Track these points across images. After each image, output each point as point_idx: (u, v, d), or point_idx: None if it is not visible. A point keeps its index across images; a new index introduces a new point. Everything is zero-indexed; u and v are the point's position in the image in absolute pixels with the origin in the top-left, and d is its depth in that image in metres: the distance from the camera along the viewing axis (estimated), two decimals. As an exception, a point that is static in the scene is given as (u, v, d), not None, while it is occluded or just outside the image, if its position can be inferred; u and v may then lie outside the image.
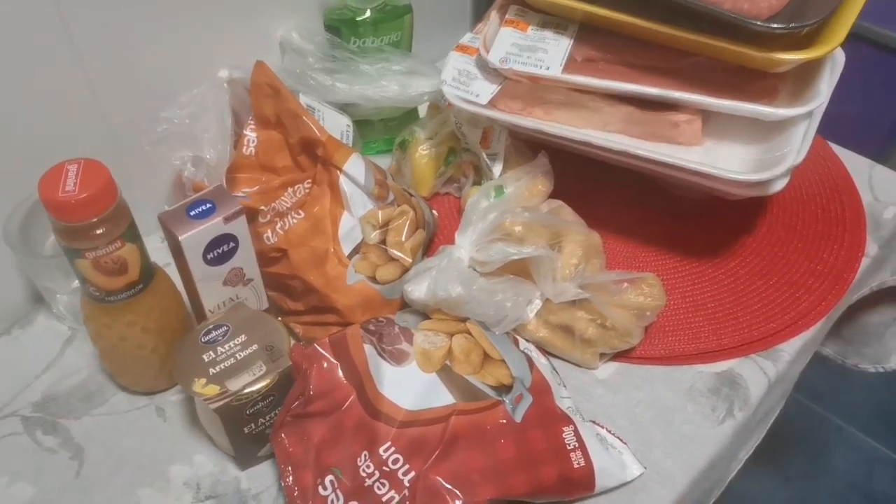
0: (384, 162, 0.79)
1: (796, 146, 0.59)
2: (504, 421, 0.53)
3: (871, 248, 0.71)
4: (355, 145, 0.76)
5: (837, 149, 0.81)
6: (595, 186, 0.73)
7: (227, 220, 0.53)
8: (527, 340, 0.62)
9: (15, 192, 0.60)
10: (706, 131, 0.66)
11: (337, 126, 0.73)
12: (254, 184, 0.64)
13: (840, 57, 0.69)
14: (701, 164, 0.59)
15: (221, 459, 0.58)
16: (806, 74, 0.63)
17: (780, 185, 0.63)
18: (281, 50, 0.75)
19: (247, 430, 0.54)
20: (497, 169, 0.71)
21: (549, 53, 0.65)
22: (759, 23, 0.55)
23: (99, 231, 0.50)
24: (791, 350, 0.64)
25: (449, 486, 0.49)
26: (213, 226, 0.52)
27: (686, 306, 0.67)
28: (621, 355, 0.63)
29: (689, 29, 0.59)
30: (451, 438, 0.51)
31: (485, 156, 0.71)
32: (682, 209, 0.73)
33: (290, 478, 0.53)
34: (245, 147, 0.65)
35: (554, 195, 0.69)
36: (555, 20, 0.66)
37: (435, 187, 0.76)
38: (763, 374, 0.62)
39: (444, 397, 0.53)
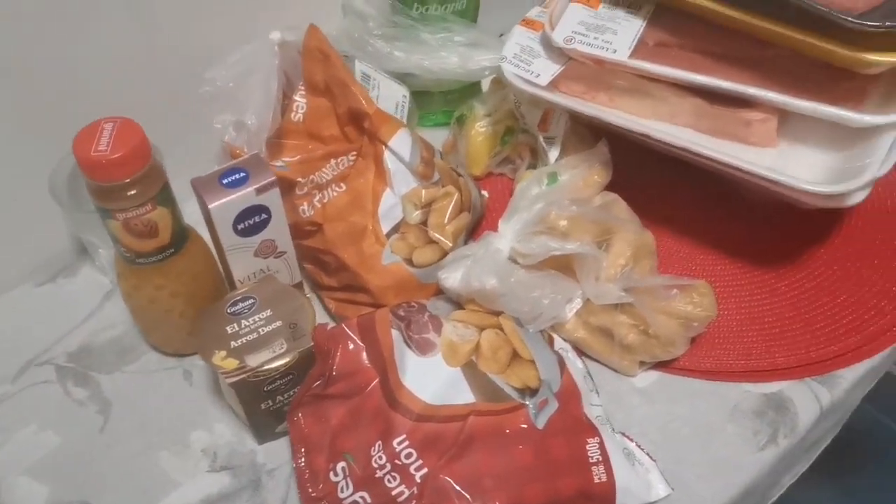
0: (442, 135, 0.77)
1: (880, 158, 0.53)
2: (525, 426, 0.50)
3: (959, 272, 0.65)
4: (411, 117, 0.74)
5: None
6: (657, 180, 0.69)
7: (260, 191, 0.51)
8: (564, 340, 0.59)
9: (62, 145, 0.60)
10: (782, 132, 0.60)
11: (392, 96, 0.71)
12: (299, 151, 0.63)
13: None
14: (768, 170, 0.54)
15: (241, 430, 0.57)
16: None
17: (858, 198, 0.57)
18: (343, 12, 0.73)
19: (264, 406, 0.53)
20: (553, 154, 0.67)
21: (619, 35, 0.60)
22: (849, 18, 0.49)
23: (130, 192, 0.49)
24: (851, 377, 0.59)
25: (459, 489, 0.47)
26: (244, 196, 0.51)
27: (741, 318, 0.62)
28: (663, 365, 0.60)
29: (773, 18, 0.53)
30: (467, 439, 0.49)
31: (542, 139, 0.67)
32: (750, 212, 0.68)
33: (303, 459, 0.52)
34: (293, 113, 0.63)
35: (613, 186, 0.65)
36: (628, -2, 0.62)
37: (489, 167, 0.73)
38: (816, 400, 0.58)
39: (464, 395, 0.51)
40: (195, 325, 0.53)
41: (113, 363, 0.62)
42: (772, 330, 0.61)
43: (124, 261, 0.54)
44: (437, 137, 0.77)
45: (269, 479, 0.55)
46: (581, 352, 0.60)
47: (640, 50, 0.59)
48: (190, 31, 0.61)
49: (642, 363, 0.59)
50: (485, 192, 0.70)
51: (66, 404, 0.60)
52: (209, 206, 0.50)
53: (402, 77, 0.72)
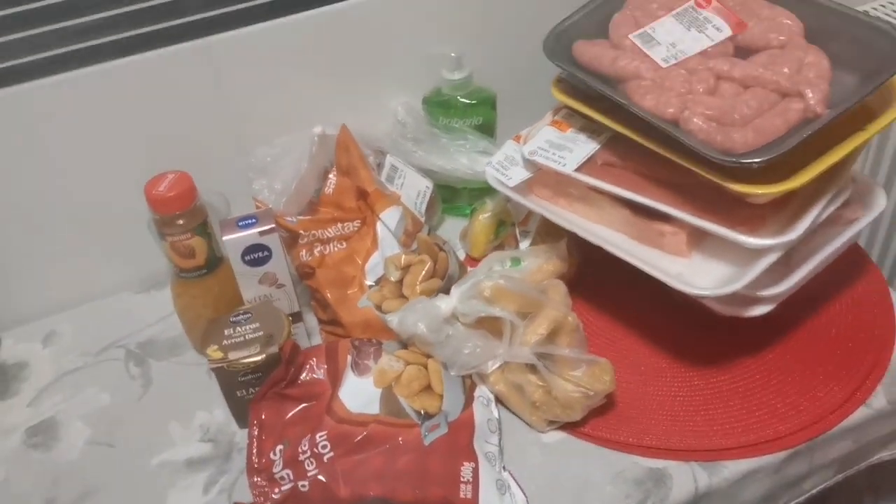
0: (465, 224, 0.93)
1: (752, 274, 0.62)
2: (414, 440, 0.63)
3: (878, 401, 0.69)
4: (433, 206, 0.91)
5: (899, 291, 0.78)
6: (624, 279, 0.79)
7: (262, 234, 0.70)
8: (488, 390, 0.71)
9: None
10: (701, 248, 0.70)
11: (416, 185, 0.88)
12: (327, 216, 0.82)
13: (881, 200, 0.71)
14: (651, 268, 0.65)
15: (231, 417, 0.74)
16: (799, 210, 0.65)
17: (756, 311, 0.67)
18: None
19: (239, 394, 0.70)
20: (524, 244, 0.81)
21: (573, 153, 0.74)
22: (712, 154, 0.60)
23: (178, 223, 0.71)
24: (734, 469, 0.65)
25: (344, 474, 0.61)
26: (249, 235, 0.70)
27: (651, 403, 0.71)
28: (570, 427, 0.70)
29: (681, 152, 0.65)
30: (365, 440, 0.63)
31: (518, 231, 0.82)
32: (696, 319, 0.76)
33: (255, 438, 0.68)
34: (327, 187, 0.83)
35: (587, 273, 0.78)
36: (592, 126, 0.76)
37: (487, 250, 0.88)
38: (693, 481, 0.65)
39: (375, 408, 0.65)
40: (207, 325, 0.72)
41: (164, 354, 0.83)
42: (676, 417, 0.69)
43: (174, 273, 0.75)
44: (461, 225, 0.93)
45: (237, 454, 0.71)
46: (502, 404, 0.71)
47: (587, 166, 0.73)
48: (252, 119, 0.85)
49: (551, 423, 0.70)
50: (472, 269, 0.84)
51: (123, 377, 0.81)
52: (224, 239, 0.70)
53: (428, 173, 0.90)
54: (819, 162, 0.61)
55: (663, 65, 0.68)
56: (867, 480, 0.94)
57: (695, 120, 0.63)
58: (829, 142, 0.63)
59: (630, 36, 0.70)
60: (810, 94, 0.62)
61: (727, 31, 0.69)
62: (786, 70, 0.65)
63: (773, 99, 0.64)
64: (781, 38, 0.67)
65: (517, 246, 0.86)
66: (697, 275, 0.68)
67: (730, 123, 0.63)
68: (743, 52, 0.68)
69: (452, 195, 0.94)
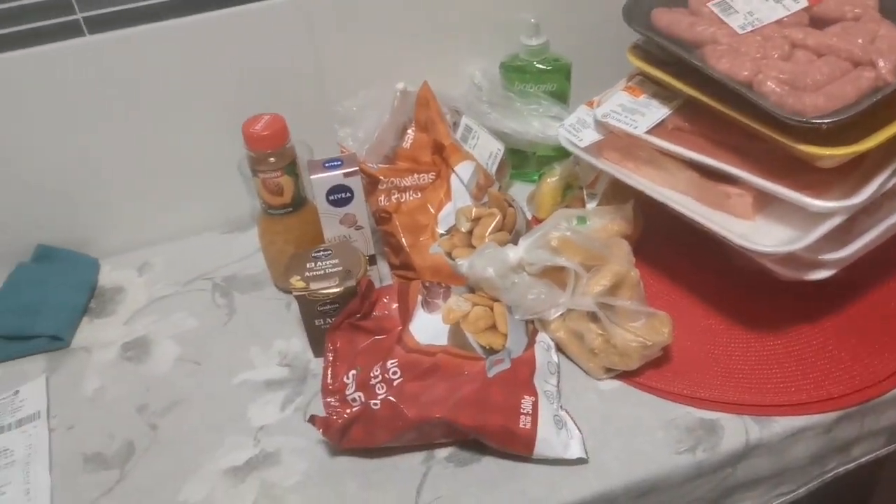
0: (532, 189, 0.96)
1: (811, 237, 0.65)
2: (478, 372, 0.67)
3: (933, 372, 0.71)
4: (503, 169, 0.94)
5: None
6: (682, 243, 0.82)
7: (347, 175, 0.75)
8: (549, 337, 0.75)
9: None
10: (766, 212, 0.72)
11: (488, 147, 0.92)
12: (405, 166, 0.87)
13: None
14: (716, 226, 0.68)
15: (307, 346, 0.80)
16: (865, 177, 0.67)
17: (816, 275, 0.69)
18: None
19: (317, 322, 0.75)
20: (591, 206, 0.84)
21: (645, 117, 0.77)
22: (785, 114, 0.62)
23: (269, 160, 0.76)
24: (786, 425, 0.68)
25: (411, 397, 0.66)
26: (334, 175, 0.75)
27: (708, 358, 0.73)
28: (626, 376, 0.73)
29: (751, 115, 0.67)
30: (433, 367, 0.68)
31: (585, 193, 0.85)
32: (760, 288, 0.78)
33: (330, 365, 0.73)
34: (405, 141, 0.88)
35: (652, 236, 0.82)
36: (665, 92, 0.78)
37: (553, 212, 0.91)
38: (745, 432, 0.67)
39: (443, 340, 0.70)
40: (290, 258, 0.78)
41: (247, 288, 0.89)
42: (730, 374, 0.72)
43: (261, 210, 0.81)
44: (529, 190, 0.97)
45: (312, 379, 0.77)
46: (562, 352, 0.75)
47: (657, 130, 0.76)
48: (339, 74, 0.90)
49: (608, 371, 0.73)
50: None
51: (210, 305, 0.87)
52: (311, 178, 0.75)
53: (501, 136, 0.94)
54: (887, 128, 0.63)
55: (739, 31, 0.70)
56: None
57: (768, 83, 0.65)
58: (900, 112, 0.64)
59: (709, 3, 0.73)
60: (882, 64, 0.64)
61: (803, 2, 0.71)
62: (859, 41, 0.67)
63: (845, 67, 0.66)
64: (856, 10, 0.69)
65: (584, 207, 0.89)
66: (761, 236, 0.70)
67: (802, 88, 0.65)
68: (818, 22, 0.70)
69: (522, 161, 0.98)
